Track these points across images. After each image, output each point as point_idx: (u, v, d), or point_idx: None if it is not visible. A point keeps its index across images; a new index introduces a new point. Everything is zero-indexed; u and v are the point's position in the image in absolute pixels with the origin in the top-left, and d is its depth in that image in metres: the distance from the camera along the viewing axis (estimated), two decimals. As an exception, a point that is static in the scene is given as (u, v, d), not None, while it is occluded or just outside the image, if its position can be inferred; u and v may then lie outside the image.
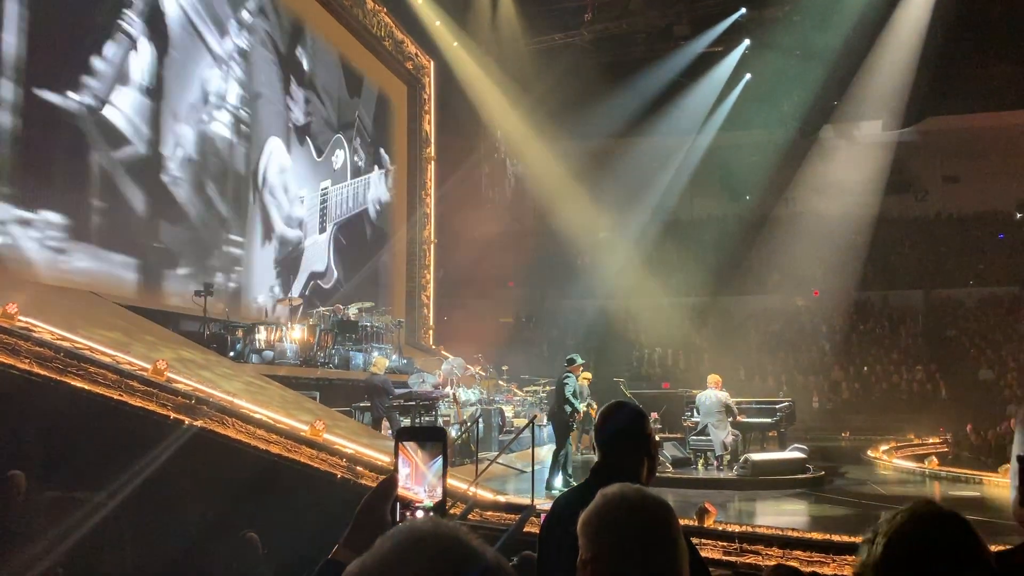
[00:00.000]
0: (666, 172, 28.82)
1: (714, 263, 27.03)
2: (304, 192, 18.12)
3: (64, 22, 11.62)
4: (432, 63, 23.61)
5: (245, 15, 15.97)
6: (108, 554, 6.68)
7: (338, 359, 14.72)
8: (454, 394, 13.52)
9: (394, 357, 16.14)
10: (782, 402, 14.06)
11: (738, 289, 27.68)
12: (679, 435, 13.61)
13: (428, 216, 23.61)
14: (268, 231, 16.66)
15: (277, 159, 16.99)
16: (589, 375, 13.73)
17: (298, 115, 17.81)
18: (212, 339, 12.46)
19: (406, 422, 12.28)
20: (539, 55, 23.64)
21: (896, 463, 14.61)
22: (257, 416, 8.43)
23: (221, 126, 15.07)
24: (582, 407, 10.77)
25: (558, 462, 10.35)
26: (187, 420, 7.65)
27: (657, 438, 10.74)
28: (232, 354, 12.48)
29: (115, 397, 7.37)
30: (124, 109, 12.53)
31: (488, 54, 22.77)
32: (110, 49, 12.26)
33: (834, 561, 6.75)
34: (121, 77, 12.50)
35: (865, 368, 25.04)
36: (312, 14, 18.52)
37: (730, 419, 12.06)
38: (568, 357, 10.80)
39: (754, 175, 28.46)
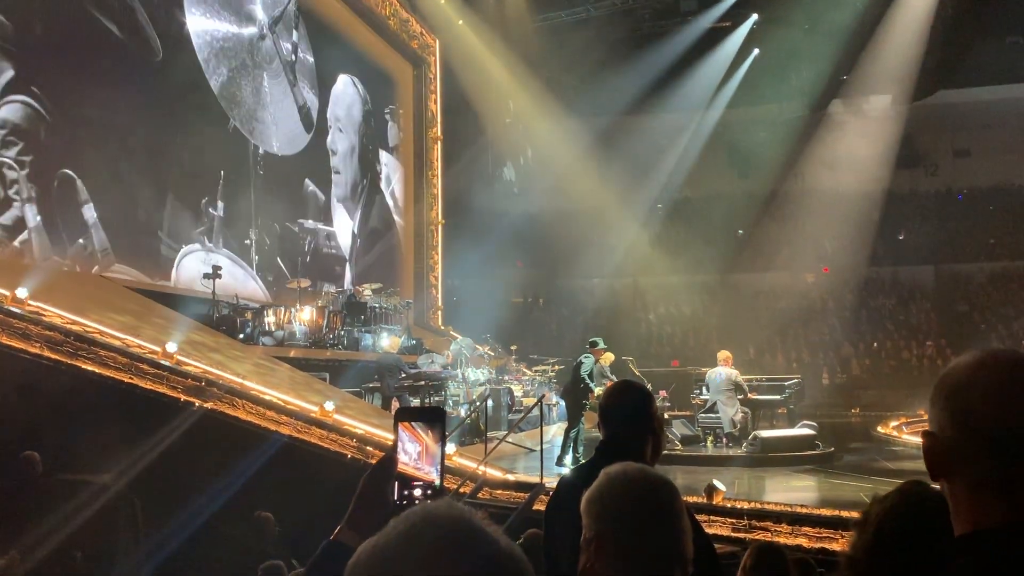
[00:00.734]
0: (674, 149, 28.65)
1: (723, 240, 26.94)
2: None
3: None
4: (437, 42, 23.46)
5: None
6: (121, 535, 6.74)
7: (347, 340, 14.77)
8: (463, 374, 13.56)
9: (403, 338, 16.18)
10: (791, 379, 14.05)
11: (747, 266, 27.58)
12: (688, 413, 13.63)
13: (436, 196, 23.55)
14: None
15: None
16: (611, 355, 13.81)
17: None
18: (221, 321, 12.51)
19: (416, 402, 12.34)
20: (545, 32, 23.46)
21: (906, 439, 14.58)
22: (267, 397, 8.48)
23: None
24: (598, 390, 10.79)
25: (570, 439, 10.42)
26: (197, 402, 7.71)
27: (666, 416, 10.81)
28: (241, 336, 12.53)
29: (126, 380, 7.43)
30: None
31: (494, 32, 22.60)
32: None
33: (843, 537, 6.75)
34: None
35: (875, 344, 24.97)
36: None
37: (740, 396, 12.07)
38: (591, 340, 11.06)
39: (763, 151, 28.25)
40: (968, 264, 27.44)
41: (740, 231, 28.17)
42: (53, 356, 7.18)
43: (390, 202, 22.10)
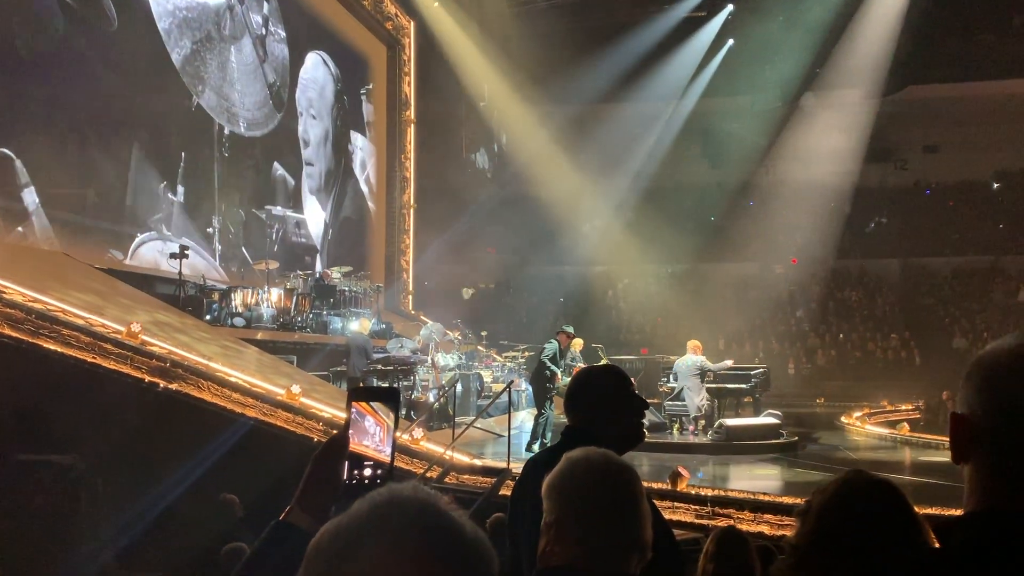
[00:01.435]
0: (647, 138, 28.72)
1: (695, 230, 27.10)
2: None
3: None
4: (412, 23, 23.27)
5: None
6: (83, 517, 6.66)
7: (316, 323, 14.67)
8: (433, 359, 13.54)
9: (373, 322, 16.10)
10: (757, 368, 14.20)
11: (717, 256, 27.79)
12: (656, 400, 13.73)
13: (408, 180, 23.41)
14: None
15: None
16: (581, 341, 13.88)
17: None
18: (188, 302, 12.36)
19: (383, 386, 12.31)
20: (521, 17, 23.36)
21: (868, 429, 14.83)
22: (233, 380, 8.40)
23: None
24: (560, 372, 10.87)
25: (539, 425, 10.46)
26: (162, 383, 7.62)
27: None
28: (208, 317, 12.40)
29: (89, 360, 7.32)
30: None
31: (470, 16, 22.47)
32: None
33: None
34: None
35: (841, 335, 25.32)
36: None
37: (707, 377, 12.20)
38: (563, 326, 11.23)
39: (735, 142, 28.44)
40: (934, 258, 27.88)
41: (712, 218, 28.36)
42: (14, 335, 7.06)
43: (364, 188, 21.92)
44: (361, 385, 11.55)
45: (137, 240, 13.25)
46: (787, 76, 26.21)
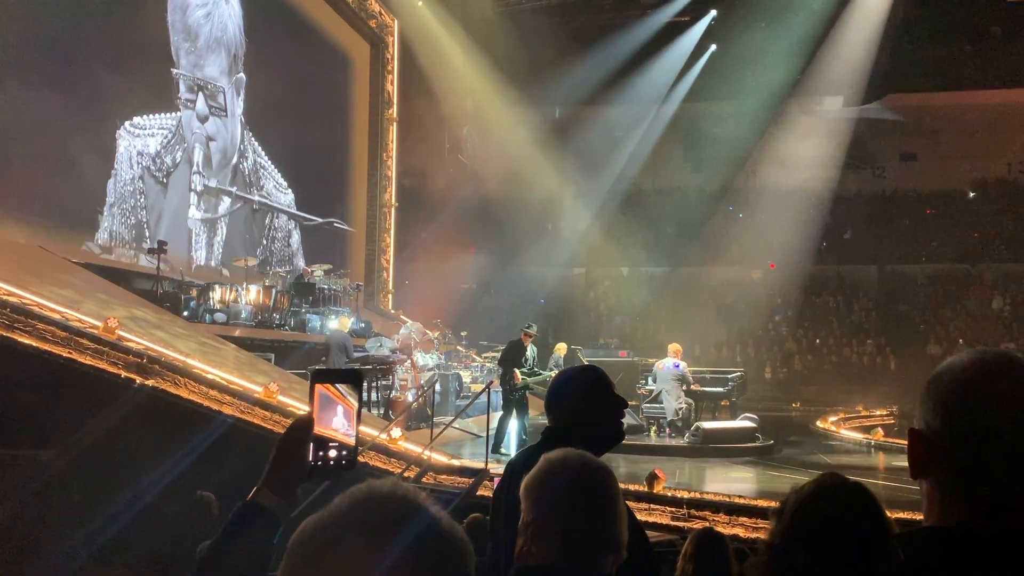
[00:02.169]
0: (629, 141, 28.83)
1: (674, 233, 27.23)
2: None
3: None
4: (396, 22, 23.23)
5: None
6: (58, 514, 6.61)
7: (294, 321, 14.61)
8: (412, 359, 13.52)
9: (352, 320, 16.06)
10: (734, 372, 14.32)
11: (697, 260, 27.95)
12: (634, 403, 13.79)
13: (389, 179, 23.37)
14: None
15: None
16: (564, 345, 13.87)
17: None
18: (166, 298, 12.27)
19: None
20: (505, 18, 23.37)
21: (844, 434, 14.96)
22: (210, 377, 8.36)
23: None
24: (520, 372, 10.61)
25: (504, 428, 10.28)
26: (139, 379, 7.57)
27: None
28: (186, 314, 12.32)
29: (64, 355, 7.25)
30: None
31: (453, 16, 22.46)
32: None
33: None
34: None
35: (818, 340, 25.53)
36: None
37: (685, 387, 12.26)
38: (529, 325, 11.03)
39: (716, 147, 28.60)
40: (910, 265, 28.16)
41: (703, 223, 28.49)
42: (-12, 328, 6.99)
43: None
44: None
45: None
46: (769, 82, 26.41)
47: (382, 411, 12.24)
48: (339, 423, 1.33)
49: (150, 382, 7.62)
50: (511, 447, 10.11)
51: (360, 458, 8.34)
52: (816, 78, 26.20)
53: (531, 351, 10.72)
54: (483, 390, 11.02)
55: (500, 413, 10.37)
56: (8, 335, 7.02)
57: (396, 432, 9.40)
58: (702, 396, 13.30)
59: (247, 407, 8.20)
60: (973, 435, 1.12)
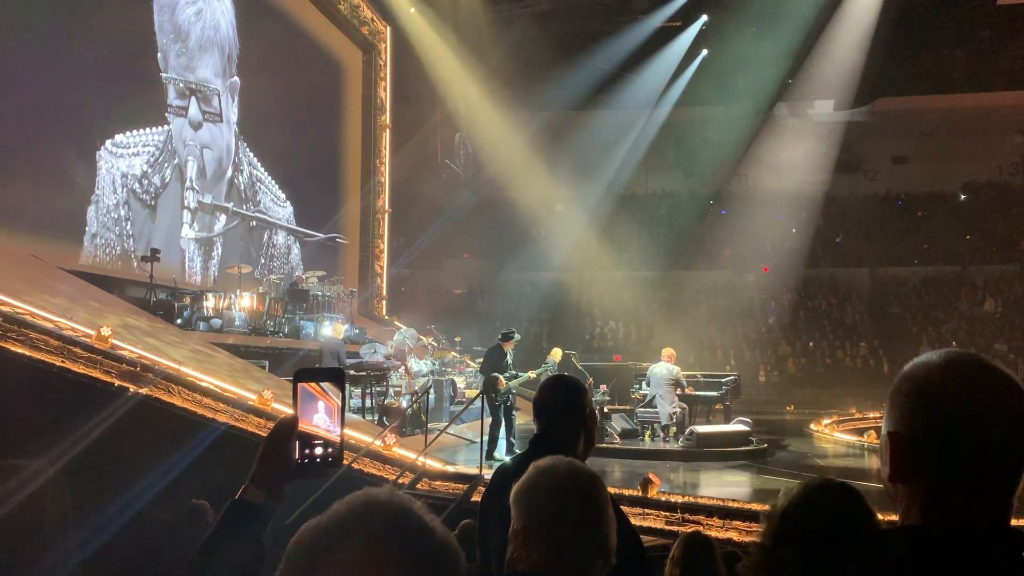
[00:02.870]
0: (622, 146, 28.92)
1: (667, 238, 27.30)
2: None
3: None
4: (389, 29, 23.26)
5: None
6: (50, 523, 6.59)
7: (288, 328, 14.60)
8: (406, 365, 13.52)
9: (346, 327, 16.05)
10: (728, 375, 14.33)
11: (690, 264, 28.02)
12: (628, 407, 13.80)
13: (383, 185, 23.38)
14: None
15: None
16: (559, 350, 13.82)
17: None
18: (159, 306, 12.26)
19: (356, 392, 12.29)
20: (498, 24, 23.44)
21: (837, 436, 14.99)
22: (204, 384, 8.35)
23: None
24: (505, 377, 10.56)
25: (494, 434, 10.24)
26: (132, 388, 7.55)
27: (605, 410, 10.74)
28: (179, 321, 12.30)
29: (57, 363, 7.24)
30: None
31: (446, 22, 22.51)
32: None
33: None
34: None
35: (811, 343, 25.58)
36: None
37: (679, 391, 12.27)
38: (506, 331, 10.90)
39: (709, 151, 28.71)
40: (902, 268, 28.27)
41: (695, 226, 28.58)
42: (-19, 338, 6.97)
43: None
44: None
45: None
46: (760, 86, 26.53)
47: (377, 417, 12.24)
48: (322, 421, 1.36)
49: (143, 390, 7.60)
50: (502, 451, 10.14)
51: (355, 464, 8.34)
52: (807, 82, 26.36)
53: (510, 356, 10.69)
54: (477, 396, 11.01)
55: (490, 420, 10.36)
56: (1, 344, 7.01)
57: (391, 438, 9.39)
58: (696, 400, 13.32)
59: (241, 415, 8.19)
60: (953, 439, 1.14)
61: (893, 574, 1.15)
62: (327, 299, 16.59)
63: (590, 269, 28.26)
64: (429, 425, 11.03)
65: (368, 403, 12.71)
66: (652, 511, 7.46)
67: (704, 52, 26.47)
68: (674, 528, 7.11)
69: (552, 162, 26.81)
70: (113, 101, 12.99)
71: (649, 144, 28.82)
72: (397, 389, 13.00)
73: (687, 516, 7.35)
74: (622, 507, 2.05)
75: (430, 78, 23.37)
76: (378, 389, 12.83)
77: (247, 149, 17.37)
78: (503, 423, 10.33)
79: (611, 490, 1.78)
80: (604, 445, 11.39)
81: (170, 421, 7.66)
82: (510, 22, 23.52)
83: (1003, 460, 1.13)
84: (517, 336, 10.93)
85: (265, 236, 18.03)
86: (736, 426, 12.39)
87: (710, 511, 7.39)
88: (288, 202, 18.95)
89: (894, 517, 1.25)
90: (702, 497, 7.92)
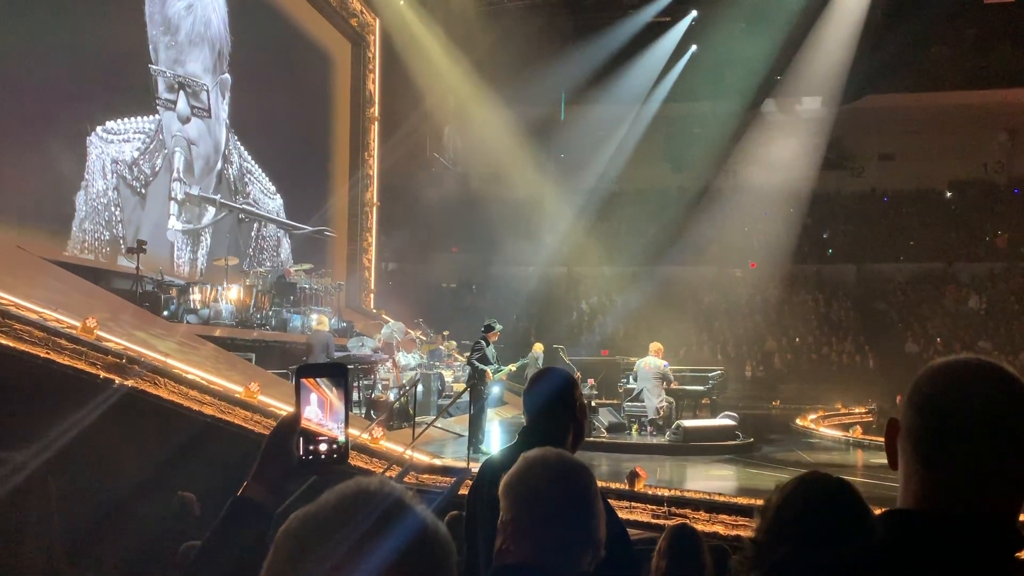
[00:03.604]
0: (611, 141, 28.93)
1: (655, 233, 27.35)
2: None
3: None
4: (378, 21, 23.16)
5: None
6: (34, 515, 6.54)
7: (275, 321, 14.55)
8: (393, 358, 13.51)
9: (333, 320, 16.01)
10: (715, 370, 14.40)
11: (677, 259, 28.06)
12: (615, 401, 13.85)
13: (371, 178, 23.30)
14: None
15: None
16: (541, 345, 13.91)
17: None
18: (145, 298, 12.18)
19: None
20: (487, 17, 23.36)
21: (823, 431, 15.09)
22: (190, 377, 8.30)
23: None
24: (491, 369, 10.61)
25: (478, 428, 10.27)
26: (118, 380, 7.50)
27: (593, 404, 10.79)
28: (166, 313, 12.23)
29: (41, 355, 7.18)
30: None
31: (435, 14, 22.43)
32: None
33: (758, 525, 6.96)
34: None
35: (797, 339, 25.70)
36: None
37: (665, 385, 12.32)
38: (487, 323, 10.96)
39: (697, 147, 28.75)
40: (888, 264, 28.43)
41: (683, 222, 28.63)
42: (-36, 329, 6.91)
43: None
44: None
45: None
46: (748, 82, 26.57)
47: (364, 411, 12.22)
48: (324, 416, 1.35)
49: (129, 382, 7.55)
50: (489, 444, 10.16)
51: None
52: (795, 78, 26.43)
53: (492, 349, 10.76)
54: (465, 389, 11.03)
55: (492, 410, 10.45)
56: (-15, 335, 6.95)
57: (378, 431, 9.39)
58: (683, 394, 13.38)
59: (227, 407, 8.16)
60: (940, 426, 1.21)
61: (877, 555, 1.19)
62: (315, 292, 16.54)
63: (578, 264, 28.30)
64: (417, 419, 11.03)
65: (356, 396, 12.69)
66: (639, 505, 7.49)
67: (693, 48, 26.50)
68: (661, 522, 7.13)
69: (541, 156, 26.79)
70: (105, 88, 12.90)
71: (638, 139, 28.83)
72: (385, 383, 12.99)
73: (674, 510, 7.38)
74: (609, 500, 2.06)
75: (419, 71, 23.29)
76: (366, 382, 12.82)
77: (237, 141, 17.23)
78: (484, 413, 10.42)
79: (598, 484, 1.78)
80: (591, 439, 11.41)
81: (156, 413, 7.62)
82: (500, 15, 23.44)
83: (976, 447, 1.18)
84: (499, 327, 10.99)
85: (254, 228, 17.92)
86: (722, 421, 12.45)
87: (696, 505, 7.43)
88: (278, 194, 18.86)
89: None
90: (688, 491, 7.96)
